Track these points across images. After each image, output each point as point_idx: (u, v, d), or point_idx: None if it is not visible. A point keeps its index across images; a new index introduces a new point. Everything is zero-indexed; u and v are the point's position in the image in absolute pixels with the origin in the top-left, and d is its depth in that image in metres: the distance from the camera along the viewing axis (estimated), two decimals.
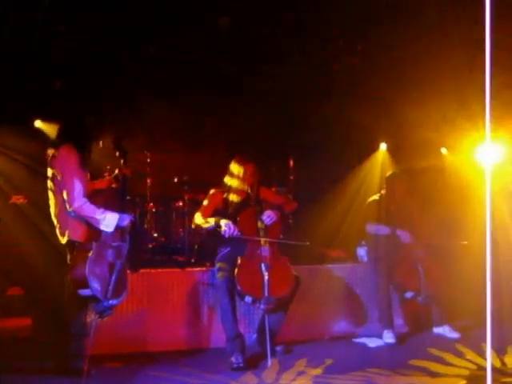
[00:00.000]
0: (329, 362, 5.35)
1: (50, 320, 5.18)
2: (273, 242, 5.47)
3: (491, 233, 3.37)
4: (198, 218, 5.57)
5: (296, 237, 6.67)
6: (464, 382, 4.75)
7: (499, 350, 5.36)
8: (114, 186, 4.99)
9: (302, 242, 5.53)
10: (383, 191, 6.72)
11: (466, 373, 4.98)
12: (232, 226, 5.34)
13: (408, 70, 7.53)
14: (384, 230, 6.48)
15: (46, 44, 6.63)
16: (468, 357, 5.41)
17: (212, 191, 5.72)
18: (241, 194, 5.63)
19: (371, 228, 6.56)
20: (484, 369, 4.92)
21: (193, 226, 5.73)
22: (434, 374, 4.93)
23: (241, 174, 5.61)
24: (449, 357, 5.41)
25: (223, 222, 5.35)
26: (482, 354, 5.34)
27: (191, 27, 6.53)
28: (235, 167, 5.65)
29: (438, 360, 5.32)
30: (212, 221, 5.45)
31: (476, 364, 5.20)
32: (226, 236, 5.32)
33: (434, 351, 5.58)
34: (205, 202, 5.68)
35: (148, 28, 6.54)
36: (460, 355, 5.48)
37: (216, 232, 5.44)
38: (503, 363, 5.19)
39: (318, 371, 5.08)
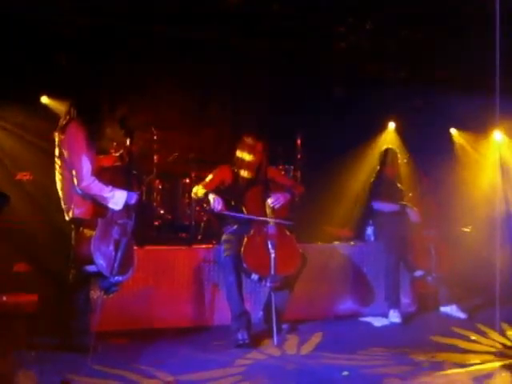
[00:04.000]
0: (334, 340, 5.37)
1: (56, 296, 5.19)
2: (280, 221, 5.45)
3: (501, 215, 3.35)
4: (194, 189, 5.62)
5: (302, 216, 6.68)
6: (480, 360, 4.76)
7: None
8: (118, 163, 4.97)
9: (288, 222, 5.48)
10: (378, 167, 6.78)
11: (492, 350, 5.03)
12: (220, 201, 5.33)
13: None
14: (393, 207, 6.49)
15: (54, 20, 6.59)
16: (492, 336, 5.41)
17: (219, 167, 5.70)
18: (251, 169, 5.61)
19: (378, 205, 6.58)
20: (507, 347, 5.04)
21: (192, 195, 5.77)
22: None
23: (253, 148, 5.59)
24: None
25: (211, 196, 5.35)
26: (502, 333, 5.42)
27: (199, 3, 6.46)
28: (248, 140, 5.63)
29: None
30: (201, 193, 5.46)
31: (500, 343, 5.22)
32: (215, 211, 5.32)
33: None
34: (209, 176, 5.68)
35: (156, 4, 6.48)
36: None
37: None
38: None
39: (323, 349, 5.08)
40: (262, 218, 5.40)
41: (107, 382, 4.18)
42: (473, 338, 5.37)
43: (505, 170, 8.31)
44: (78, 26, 6.68)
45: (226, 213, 5.38)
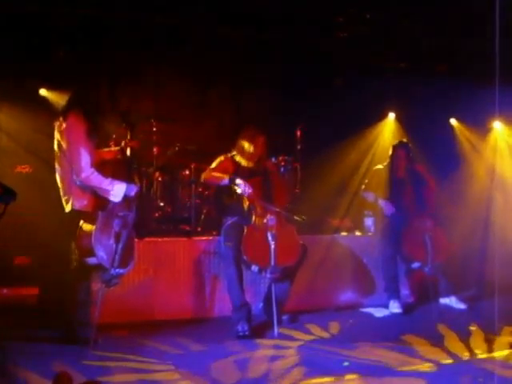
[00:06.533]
0: (335, 331, 5.39)
1: (56, 289, 5.19)
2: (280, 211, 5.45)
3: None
4: (208, 173, 5.56)
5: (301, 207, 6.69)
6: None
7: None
8: (119, 157, 4.96)
9: (300, 218, 5.51)
10: (388, 160, 6.71)
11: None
12: (250, 186, 5.33)
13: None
14: (370, 196, 6.58)
15: (52, 12, 6.57)
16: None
17: (221, 157, 5.69)
18: (252, 160, 5.63)
19: (363, 194, 6.76)
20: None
21: (202, 180, 5.71)
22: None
23: (251, 150, 5.58)
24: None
25: (238, 180, 5.34)
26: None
27: None
28: (245, 143, 5.60)
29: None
30: (226, 177, 5.42)
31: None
32: (245, 194, 5.30)
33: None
34: (212, 165, 5.65)
35: None
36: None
37: (224, 190, 5.45)
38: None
39: (324, 340, 5.11)
40: (293, 216, 5.47)
41: (107, 373, 4.18)
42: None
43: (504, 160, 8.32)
44: (77, 16, 6.65)
45: (255, 200, 5.37)
